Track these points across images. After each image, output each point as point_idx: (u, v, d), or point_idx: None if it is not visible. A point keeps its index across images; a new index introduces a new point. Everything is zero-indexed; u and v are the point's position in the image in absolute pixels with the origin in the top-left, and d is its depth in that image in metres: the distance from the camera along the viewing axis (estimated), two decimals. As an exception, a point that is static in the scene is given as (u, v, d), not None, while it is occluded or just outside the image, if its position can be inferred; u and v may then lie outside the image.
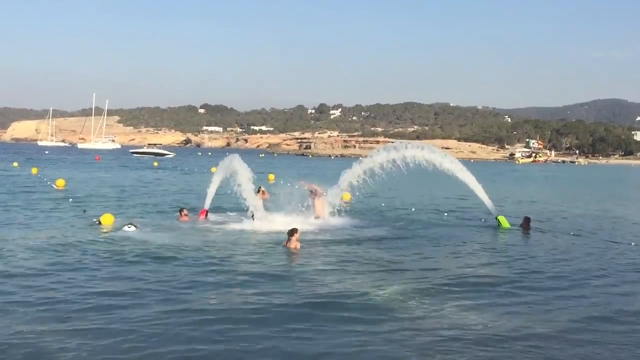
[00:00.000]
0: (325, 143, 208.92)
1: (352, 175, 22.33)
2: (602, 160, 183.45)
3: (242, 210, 22.44)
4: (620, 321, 10.48)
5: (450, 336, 9.27)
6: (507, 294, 12.12)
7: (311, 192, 22.38)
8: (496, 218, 22.15)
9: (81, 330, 9.06)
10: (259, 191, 23.07)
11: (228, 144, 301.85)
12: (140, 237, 17.35)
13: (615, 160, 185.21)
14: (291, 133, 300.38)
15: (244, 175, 20.60)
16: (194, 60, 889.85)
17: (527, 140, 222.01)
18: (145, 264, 13.83)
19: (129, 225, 18.57)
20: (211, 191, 22.64)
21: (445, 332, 9.47)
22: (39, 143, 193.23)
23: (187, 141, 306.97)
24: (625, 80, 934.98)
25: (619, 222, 25.91)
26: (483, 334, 9.42)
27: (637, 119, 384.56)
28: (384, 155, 21.83)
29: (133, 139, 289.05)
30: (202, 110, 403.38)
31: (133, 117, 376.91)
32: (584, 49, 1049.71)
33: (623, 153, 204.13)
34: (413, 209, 27.13)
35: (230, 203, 24.01)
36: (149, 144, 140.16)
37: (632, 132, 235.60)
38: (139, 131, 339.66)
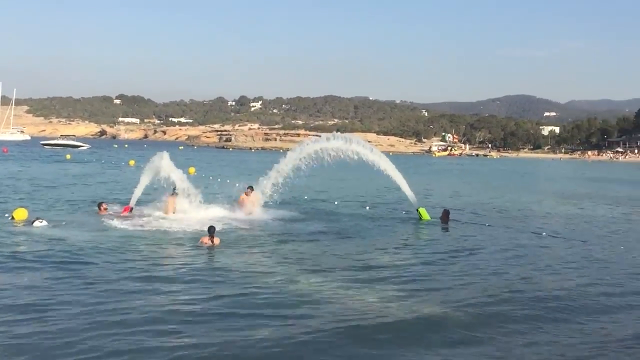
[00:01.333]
0: (246, 136, 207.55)
1: (284, 167, 22.22)
2: (513, 154, 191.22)
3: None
4: (521, 302, 11.13)
5: (372, 324, 9.44)
6: (425, 283, 12.45)
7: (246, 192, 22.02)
8: (417, 210, 22.67)
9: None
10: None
11: (145, 136, 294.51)
12: (52, 233, 16.66)
13: (524, 154, 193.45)
14: (211, 125, 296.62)
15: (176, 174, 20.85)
16: (109, 49, 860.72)
17: (443, 134, 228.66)
18: (56, 262, 13.19)
19: (40, 220, 17.77)
20: (138, 190, 21.99)
21: (365, 321, 9.64)
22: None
23: (102, 133, 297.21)
24: (534, 77, 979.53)
25: (531, 213, 27.10)
26: (401, 321, 9.68)
27: (544, 114, 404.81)
28: (314, 146, 21.84)
29: (44, 130, 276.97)
30: (117, 101, 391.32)
31: (43, 107, 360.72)
32: (496, 47, 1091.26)
33: (532, 147, 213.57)
34: (336, 202, 27.35)
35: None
36: (61, 135, 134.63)
37: (540, 127, 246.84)
38: (50, 122, 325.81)
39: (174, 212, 20.80)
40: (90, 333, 8.68)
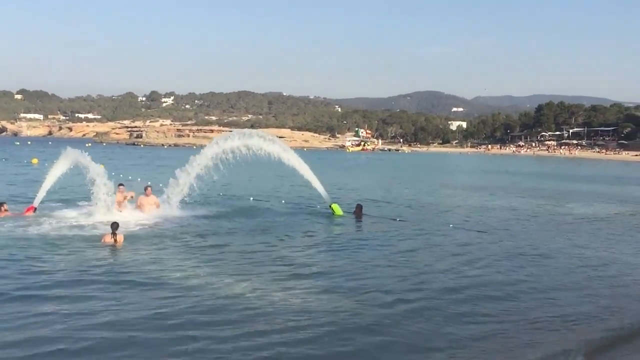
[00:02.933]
0: (158, 132, 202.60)
1: (196, 164, 21.80)
2: (423, 148, 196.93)
3: (76, 202, 21.49)
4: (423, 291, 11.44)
5: (287, 319, 9.49)
6: (337, 277, 12.65)
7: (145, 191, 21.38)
8: (330, 206, 22.93)
9: None
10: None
11: (50, 133, 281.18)
12: None
13: (434, 148, 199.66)
14: (121, 121, 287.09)
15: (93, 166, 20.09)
16: (9, 41, 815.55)
17: (356, 129, 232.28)
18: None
19: None
20: (43, 189, 20.98)
21: (280, 317, 9.68)
22: None
23: (2, 129, 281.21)
24: (442, 74, 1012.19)
25: (440, 205, 28.06)
26: (317, 315, 9.75)
27: (452, 110, 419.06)
28: (227, 143, 21.57)
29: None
30: (18, 96, 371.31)
31: None
32: (406, 44, 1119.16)
33: (441, 141, 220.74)
34: (251, 199, 27.24)
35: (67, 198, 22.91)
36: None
37: (449, 122, 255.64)
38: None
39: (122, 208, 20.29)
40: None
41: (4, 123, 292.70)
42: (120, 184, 21.50)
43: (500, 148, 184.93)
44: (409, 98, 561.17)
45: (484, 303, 11.12)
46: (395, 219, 22.27)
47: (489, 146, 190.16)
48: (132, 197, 21.17)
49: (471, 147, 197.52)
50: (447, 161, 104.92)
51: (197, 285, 11.54)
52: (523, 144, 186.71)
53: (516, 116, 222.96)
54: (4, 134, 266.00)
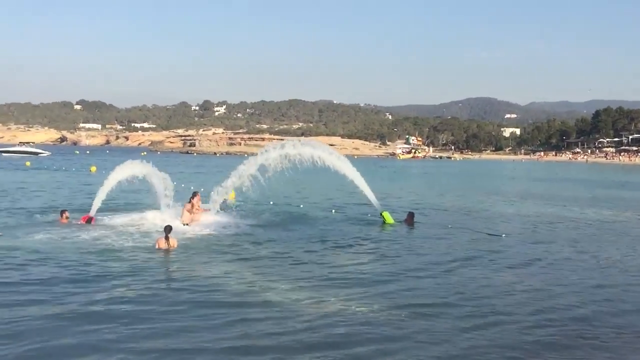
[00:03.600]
0: (210, 140, 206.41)
1: (243, 173, 22.08)
2: (475, 155, 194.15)
3: (135, 211, 22.06)
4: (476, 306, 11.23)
5: (338, 327, 9.52)
6: (388, 286, 12.57)
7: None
8: (381, 214, 22.83)
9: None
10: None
11: (107, 142, 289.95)
12: (5, 243, 16.27)
13: (486, 155, 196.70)
14: (174, 130, 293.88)
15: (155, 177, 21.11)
16: (70, 53, 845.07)
17: (407, 136, 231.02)
18: (13, 272, 12.92)
19: None
20: (99, 197, 21.62)
21: (329, 325, 9.70)
22: None
23: (63, 139, 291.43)
24: (495, 80, 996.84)
25: (492, 214, 27.61)
26: (366, 327, 9.75)
27: (505, 116, 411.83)
28: (278, 152, 21.67)
29: (1, 137, 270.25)
30: (78, 107, 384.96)
31: (1, 114, 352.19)
32: (458, 50, 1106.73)
33: (494, 148, 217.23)
34: (301, 206, 27.42)
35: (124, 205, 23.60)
36: (20, 142, 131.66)
37: (502, 129, 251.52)
38: (9, 128, 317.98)
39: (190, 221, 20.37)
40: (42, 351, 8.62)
41: (65, 133, 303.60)
42: (195, 192, 21.55)
43: (556, 155, 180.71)
44: (460, 105, 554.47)
45: (547, 314, 10.85)
46: (447, 227, 22.05)
47: (543, 153, 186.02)
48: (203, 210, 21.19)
49: (524, 154, 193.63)
50: (499, 168, 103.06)
51: (252, 294, 11.62)
52: (580, 150, 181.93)
53: (572, 122, 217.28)
54: (64, 143, 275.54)
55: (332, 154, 22.86)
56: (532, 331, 9.81)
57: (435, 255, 16.45)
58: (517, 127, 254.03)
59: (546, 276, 14.00)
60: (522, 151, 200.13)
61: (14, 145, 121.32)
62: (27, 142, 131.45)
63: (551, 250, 17.63)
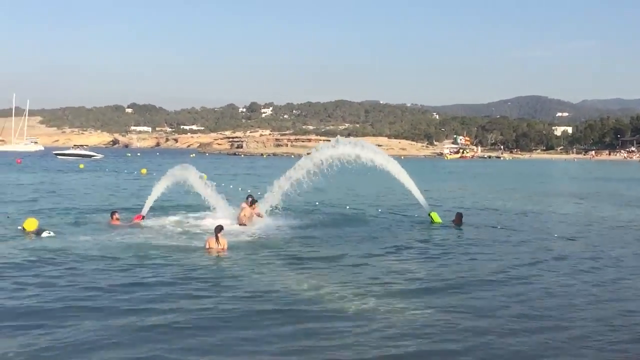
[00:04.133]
0: (257, 142, 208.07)
1: (293, 175, 21.98)
2: (525, 155, 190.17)
3: (180, 211, 22.32)
4: (540, 314, 10.87)
5: (388, 330, 9.39)
6: (439, 290, 12.35)
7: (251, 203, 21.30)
8: (429, 214, 22.54)
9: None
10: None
11: (158, 144, 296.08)
12: (58, 243, 16.66)
13: (537, 155, 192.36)
14: (222, 132, 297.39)
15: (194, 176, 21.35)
16: (120, 58, 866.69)
17: (455, 136, 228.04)
18: (54, 275, 13.08)
19: (48, 232, 17.92)
20: (151, 199, 22.07)
21: (379, 327, 9.58)
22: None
23: (115, 142, 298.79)
24: (546, 77, 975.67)
25: (542, 214, 26.93)
26: (418, 329, 9.58)
27: (556, 115, 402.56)
28: (327, 152, 21.42)
29: (57, 140, 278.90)
30: (129, 110, 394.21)
31: (56, 118, 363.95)
32: (506, 47, 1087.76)
33: (545, 148, 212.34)
34: (347, 207, 27.31)
35: (174, 206, 23.98)
36: (74, 145, 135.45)
37: (553, 128, 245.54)
38: (63, 132, 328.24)
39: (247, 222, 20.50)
40: (96, 344, 8.74)
41: (117, 135, 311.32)
42: (249, 197, 21.50)
43: (610, 154, 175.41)
44: (509, 103, 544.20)
45: (594, 325, 10.48)
46: (496, 227, 21.63)
47: (595, 152, 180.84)
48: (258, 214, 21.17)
49: (577, 153, 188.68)
50: (550, 168, 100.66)
51: (304, 295, 11.58)
52: (635, 149, 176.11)
53: (627, 120, 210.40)
54: (116, 145, 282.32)
55: (379, 153, 22.66)
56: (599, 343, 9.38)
57: (488, 258, 16.07)
58: (569, 126, 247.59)
59: (606, 281, 13.51)
60: (574, 150, 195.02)
61: (68, 148, 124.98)
62: (80, 145, 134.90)
63: (607, 251, 17.05)
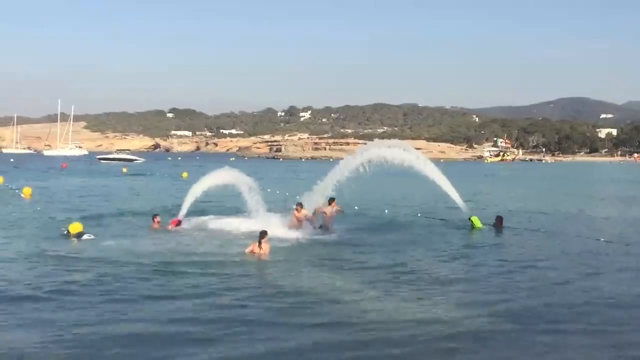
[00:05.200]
0: (296, 145, 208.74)
1: (333, 179, 21.79)
2: (568, 158, 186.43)
3: (220, 215, 22.47)
4: (583, 312, 10.72)
5: (430, 333, 9.29)
6: (485, 292, 12.18)
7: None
8: (469, 218, 22.21)
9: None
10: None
11: (198, 148, 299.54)
12: (99, 246, 17.05)
13: (580, 158, 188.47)
14: (261, 136, 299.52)
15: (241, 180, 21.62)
16: (161, 64, 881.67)
17: (495, 139, 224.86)
18: (92, 277, 13.26)
19: (89, 235, 18.32)
20: (187, 202, 22.27)
21: (423, 330, 9.50)
22: (4, 150, 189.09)
23: (156, 146, 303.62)
24: (589, 78, 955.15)
25: (586, 218, 26.31)
26: (463, 331, 9.44)
27: (601, 116, 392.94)
28: (366, 155, 21.19)
29: (100, 145, 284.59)
30: (170, 115, 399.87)
31: (100, 123, 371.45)
32: (548, 48, 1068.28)
33: (588, 150, 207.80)
34: (386, 211, 27.14)
35: (211, 209, 24.18)
36: (117, 150, 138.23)
37: (597, 130, 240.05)
38: (107, 137, 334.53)
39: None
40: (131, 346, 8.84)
41: (158, 140, 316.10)
42: (299, 204, 21.18)
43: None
44: (552, 105, 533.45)
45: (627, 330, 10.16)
46: (539, 230, 21.22)
47: (635, 155, 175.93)
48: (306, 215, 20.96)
49: (622, 155, 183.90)
50: (595, 171, 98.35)
51: (346, 300, 11.53)
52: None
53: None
54: (157, 150, 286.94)
55: (419, 157, 22.37)
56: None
57: (523, 260, 15.79)
58: (613, 128, 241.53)
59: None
60: (619, 153, 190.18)
61: (111, 153, 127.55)
62: (123, 150, 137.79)
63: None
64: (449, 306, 11.10)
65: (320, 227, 20.55)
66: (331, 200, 21.06)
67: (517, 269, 14.72)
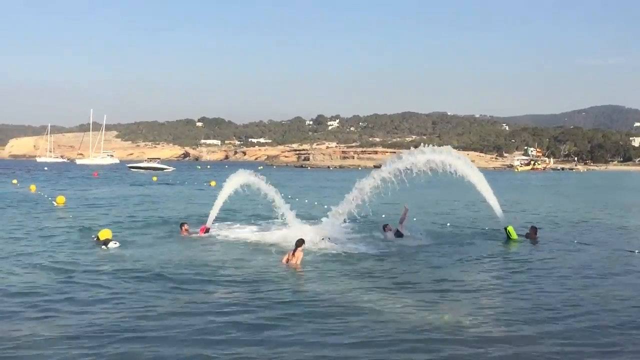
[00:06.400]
0: (324, 154, 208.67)
1: (365, 186, 21.09)
2: (601, 167, 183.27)
3: (248, 222, 22.46)
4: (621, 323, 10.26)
5: (464, 343, 9.04)
6: (519, 303, 11.87)
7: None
8: (505, 229, 21.62)
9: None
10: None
11: (226, 157, 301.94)
12: (124, 253, 17.20)
13: (614, 167, 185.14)
14: (289, 145, 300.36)
15: (263, 186, 21.56)
16: (191, 73, 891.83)
17: (526, 148, 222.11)
18: (131, 282, 13.43)
19: (115, 242, 18.47)
20: (215, 209, 22.37)
21: (458, 343, 9.25)
22: (38, 159, 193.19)
23: (186, 155, 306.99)
24: (623, 86, 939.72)
25: (621, 229, 25.65)
26: (496, 342, 9.18)
27: (634, 125, 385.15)
28: (411, 159, 20.39)
29: (131, 154, 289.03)
30: (199, 124, 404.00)
31: (131, 132, 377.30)
32: (580, 55, 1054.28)
33: (622, 159, 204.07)
34: (415, 219, 26.75)
35: (240, 216, 24.20)
36: (148, 159, 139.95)
37: (630, 138, 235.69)
38: (137, 146, 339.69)
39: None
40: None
41: (187, 149, 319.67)
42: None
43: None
44: (584, 113, 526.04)
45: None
46: (573, 241, 20.73)
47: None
48: None
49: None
50: (629, 180, 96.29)
51: (383, 317, 11.21)
52: None
53: None
54: (187, 158, 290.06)
55: (468, 164, 21.70)
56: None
57: (557, 272, 15.40)
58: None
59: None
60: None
61: (142, 161, 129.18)
62: (153, 158, 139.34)
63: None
64: (482, 321, 10.81)
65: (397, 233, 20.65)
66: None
67: (553, 282, 14.34)
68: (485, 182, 21.97)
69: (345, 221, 22.09)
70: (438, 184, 21.99)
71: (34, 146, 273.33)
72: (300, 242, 15.80)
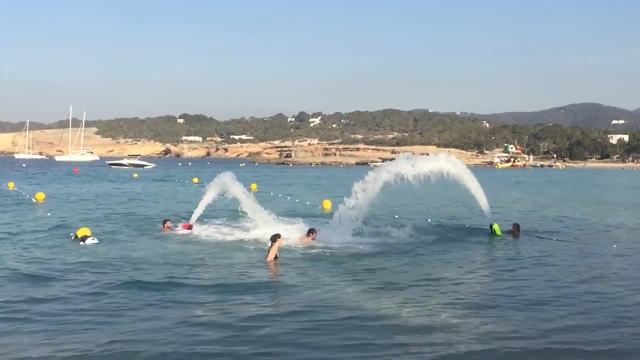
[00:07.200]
0: (306, 151, 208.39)
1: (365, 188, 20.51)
2: (580, 164, 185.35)
3: (231, 219, 22.35)
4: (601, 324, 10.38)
5: (453, 344, 9.07)
6: (503, 302, 11.94)
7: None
8: (491, 226, 21.74)
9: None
10: None
11: (208, 154, 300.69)
12: (102, 250, 17.10)
13: (592, 164, 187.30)
14: (271, 142, 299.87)
15: (238, 190, 21.33)
16: (172, 69, 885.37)
17: (506, 145, 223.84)
18: (88, 280, 13.20)
19: (92, 238, 18.34)
20: (200, 208, 22.29)
21: (444, 340, 9.25)
22: (16, 156, 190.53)
23: (167, 151, 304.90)
24: (601, 84, 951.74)
25: (600, 225, 25.93)
26: (480, 341, 9.22)
27: (612, 122, 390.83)
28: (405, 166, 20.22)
29: (112, 151, 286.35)
30: (181, 120, 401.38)
31: (111, 128, 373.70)
32: (559, 54, 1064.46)
33: (600, 156, 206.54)
34: (396, 216, 26.81)
35: (222, 214, 24.16)
36: (128, 155, 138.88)
37: (608, 136, 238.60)
38: (118, 142, 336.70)
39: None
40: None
41: (169, 145, 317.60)
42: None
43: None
44: (563, 111, 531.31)
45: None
46: (552, 239, 20.93)
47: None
48: None
49: (633, 161, 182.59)
50: (607, 177, 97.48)
51: (364, 312, 11.26)
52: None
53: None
54: (168, 155, 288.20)
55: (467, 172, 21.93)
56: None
57: (540, 266, 15.54)
58: (625, 134, 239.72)
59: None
60: (631, 159, 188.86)
61: (122, 158, 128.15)
62: (134, 155, 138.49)
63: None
64: (474, 318, 10.86)
65: None
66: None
67: (534, 276, 14.47)
68: (479, 187, 22.24)
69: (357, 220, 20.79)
70: (426, 182, 21.69)
71: (12, 143, 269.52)
72: (275, 237, 15.76)
